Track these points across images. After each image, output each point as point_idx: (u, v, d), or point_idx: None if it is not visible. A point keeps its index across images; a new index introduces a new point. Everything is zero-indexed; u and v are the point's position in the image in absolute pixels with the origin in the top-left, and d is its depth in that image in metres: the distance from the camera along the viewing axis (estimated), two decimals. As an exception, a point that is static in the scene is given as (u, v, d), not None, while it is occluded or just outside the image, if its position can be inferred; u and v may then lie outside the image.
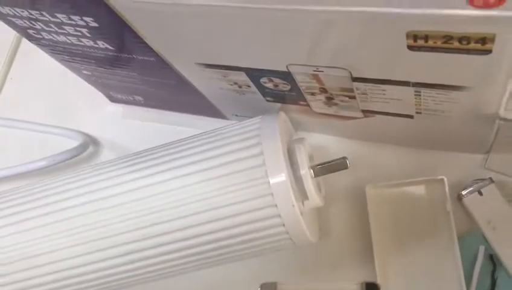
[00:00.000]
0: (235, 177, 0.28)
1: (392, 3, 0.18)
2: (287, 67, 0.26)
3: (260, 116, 0.30)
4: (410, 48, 0.21)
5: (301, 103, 0.31)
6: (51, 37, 0.30)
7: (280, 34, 0.23)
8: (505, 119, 0.26)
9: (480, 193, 0.31)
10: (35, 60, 0.44)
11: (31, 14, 0.28)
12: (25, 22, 0.29)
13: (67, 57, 0.34)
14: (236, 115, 0.37)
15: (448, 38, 0.19)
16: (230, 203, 0.28)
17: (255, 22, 0.22)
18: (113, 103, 0.41)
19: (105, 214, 0.31)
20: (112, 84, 0.37)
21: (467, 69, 0.21)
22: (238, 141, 0.29)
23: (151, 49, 0.28)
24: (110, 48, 0.29)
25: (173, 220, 0.29)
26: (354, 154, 0.31)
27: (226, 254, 0.30)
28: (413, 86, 0.24)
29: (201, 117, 0.39)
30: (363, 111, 0.29)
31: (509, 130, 0.28)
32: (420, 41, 0.20)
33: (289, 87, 0.28)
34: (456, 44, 0.20)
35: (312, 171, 0.29)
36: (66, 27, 0.28)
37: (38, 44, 0.33)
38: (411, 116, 0.28)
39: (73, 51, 0.32)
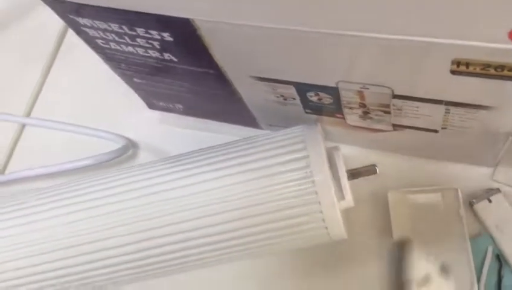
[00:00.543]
0: (282, 176, 0.32)
1: (445, 34, 0.23)
2: (336, 83, 0.30)
3: (301, 125, 0.34)
4: (452, 72, 0.25)
5: (338, 115, 0.35)
6: (118, 47, 0.34)
7: (337, 56, 0.27)
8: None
9: (490, 201, 0.35)
10: (75, 64, 0.48)
11: (109, 26, 0.31)
12: (98, 33, 0.32)
13: (124, 66, 0.37)
14: (270, 125, 0.41)
15: (486, 65, 0.24)
16: (276, 199, 0.32)
17: (315, 44, 0.26)
18: (150, 110, 0.45)
19: (155, 207, 0.34)
20: (158, 92, 0.40)
21: (496, 92, 0.26)
22: (285, 145, 0.33)
23: (215, 63, 0.31)
24: (174, 59, 0.33)
25: (221, 213, 0.33)
26: (377, 163, 0.36)
27: (266, 245, 0.34)
28: (445, 104, 0.29)
29: (236, 126, 0.42)
30: (394, 125, 0.34)
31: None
32: (462, 67, 0.24)
33: (331, 100, 0.33)
34: (492, 71, 0.24)
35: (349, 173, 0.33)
36: (139, 39, 0.32)
37: (100, 52, 0.36)
38: (436, 131, 0.33)
39: (135, 60, 0.35)
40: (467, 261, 0.34)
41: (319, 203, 0.31)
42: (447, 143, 0.34)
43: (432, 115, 0.30)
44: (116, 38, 0.32)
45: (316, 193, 0.31)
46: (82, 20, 0.31)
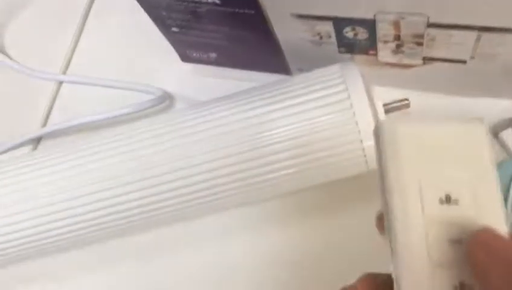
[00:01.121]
0: (325, 108, 0.34)
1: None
2: (374, 15, 0.32)
3: (338, 63, 0.37)
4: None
5: (370, 52, 0.37)
6: (163, -7, 0.36)
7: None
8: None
9: (513, 129, 0.38)
10: (107, 22, 0.50)
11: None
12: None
13: (164, 13, 0.39)
14: (300, 69, 0.43)
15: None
16: (320, 129, 0.34)
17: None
18: (183, 62, 0.47)
19: (199, 143, 0.36)
20: (194, 42, 0.42)
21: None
22: (324, 81, 0.35)
23: (258, 3, 0.34)
24: (217, 1, 0.35)
25: (271, 144, 0.35)
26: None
27: (310, 176, 0.36)
28: (478, 30, 0.31)
29: (266, 74, 0.44)
30: (424, 58, 0.36)
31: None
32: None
33: (367, 35, 0.35)
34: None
35: (383, 108, 0.36)
36: (186, -18, 0.34)
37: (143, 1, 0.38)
38: (464, 62, 0.35)
39: (177, 7, 0.37)
40: (493, 183, 0.37)
41: (359, 132, 0.34)
42: (475, 73, 0.36)
43: (464, 42, 0.33)
44: (163, -17, 0.34)
45: (357, 123, 0.34)
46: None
